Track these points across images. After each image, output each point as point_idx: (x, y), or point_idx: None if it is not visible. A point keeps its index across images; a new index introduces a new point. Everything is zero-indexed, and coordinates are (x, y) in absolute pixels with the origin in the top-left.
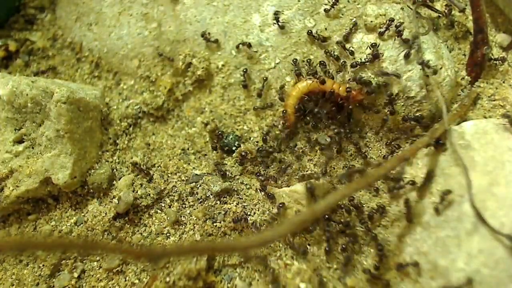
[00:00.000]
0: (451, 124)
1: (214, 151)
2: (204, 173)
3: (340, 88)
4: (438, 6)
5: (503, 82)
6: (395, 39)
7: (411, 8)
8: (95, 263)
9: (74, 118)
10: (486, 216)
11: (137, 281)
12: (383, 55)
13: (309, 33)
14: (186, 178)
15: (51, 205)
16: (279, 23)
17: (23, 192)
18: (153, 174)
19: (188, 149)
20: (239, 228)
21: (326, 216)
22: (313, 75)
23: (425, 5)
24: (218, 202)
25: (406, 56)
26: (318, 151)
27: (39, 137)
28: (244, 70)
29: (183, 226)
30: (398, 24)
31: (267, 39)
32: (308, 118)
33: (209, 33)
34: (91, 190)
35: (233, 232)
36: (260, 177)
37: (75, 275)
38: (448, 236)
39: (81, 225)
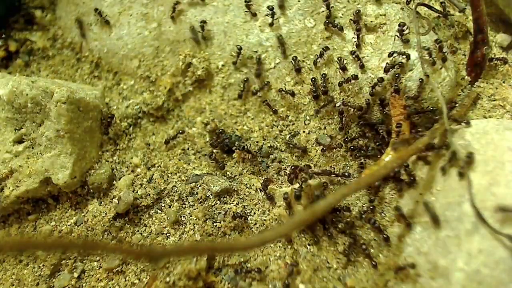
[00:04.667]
0: (451, 124)
1: (214, 149)
2: (204, 173)
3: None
4: (437, 6)
5: (503, 82)
6: (395, 39)
7: (411, 8)
8: (95, 263)
9: (74, 118)
10: (486, 216)
11: (137, 281)
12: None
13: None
14: (186, 178)
15: (51, 205)
16: (273, 19)
17: (23, 192)
18: (153, 174)
19: (188, 149)
20: (239, 227)
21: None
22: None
23: (425, 5)
24: (218, 202)
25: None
26: (318, 151)
27: (39, 137)
28: (245, 79)
29: (183, 226)
30: (401, 23)
31: (267, 39)
32: None
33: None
34: (91, 190)
35: (233, 232)
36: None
37: (75, 275)
38: (448, 236)
39: (81, 225)
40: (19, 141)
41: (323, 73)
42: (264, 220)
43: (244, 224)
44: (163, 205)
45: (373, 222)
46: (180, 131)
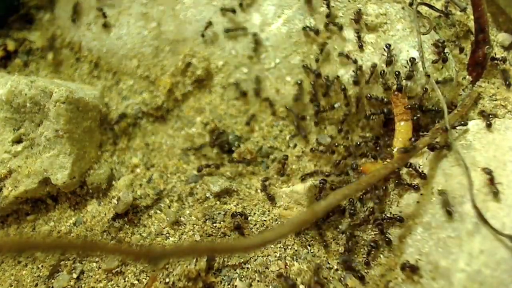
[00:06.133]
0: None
1: (213, 149)
2: (204, 173)
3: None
4: (438, 5)
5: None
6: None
7: (411, 9)
8: (94, 264)
9: (73, 118)
10: (488, 217)
11: (136, 282)
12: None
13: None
14: (186, 178)
15: (50, 205)
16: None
17: (21, 192)
18: (153, 174)
19: (188, 149)
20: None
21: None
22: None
23: (426, 4)
24: (218, 202)
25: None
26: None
27: (38, 137)
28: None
29: (183, 227)
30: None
31: (267, 39)
32: None
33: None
34: (90, 191)
35: (233, 233)
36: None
37: (74, 276)
38: (449, 236)
39: (80, 225)
40: (18, 141)
41: (325, 75)
42: (264, 220)
43: (244, 224)
44: (162, 205)
45: (378, 224)
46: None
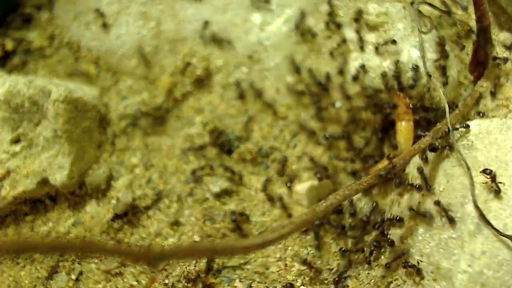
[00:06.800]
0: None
1: (213, 149)
2: (204, 174)
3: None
4: (439, 4)
5: (506, 81)
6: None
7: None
8: (93, 264)
9: (72, 118)
10: (490, 217)
11: (135, 283)
12: None
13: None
14: (185, 178)
15: (49, 206)
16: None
17: (20, 192)
18: (152, 175)
19: (187, 149)
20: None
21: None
22: None
23: (427, 3)
24: (218, 202)
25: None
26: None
27: (37, 137)
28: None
29: (182, 227)
30: None
31: (267, 38)
32: None
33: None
34: (89, 191)
35: (233, 233)
36: None
37: (73, 277)
38: (451, 237)
39: (79, 226)
40: (16, 141)
41: (326, 72)
42: (264, 221)
43: (244, 225)
44: (162, 206)
45: (378, 226)
46: None
